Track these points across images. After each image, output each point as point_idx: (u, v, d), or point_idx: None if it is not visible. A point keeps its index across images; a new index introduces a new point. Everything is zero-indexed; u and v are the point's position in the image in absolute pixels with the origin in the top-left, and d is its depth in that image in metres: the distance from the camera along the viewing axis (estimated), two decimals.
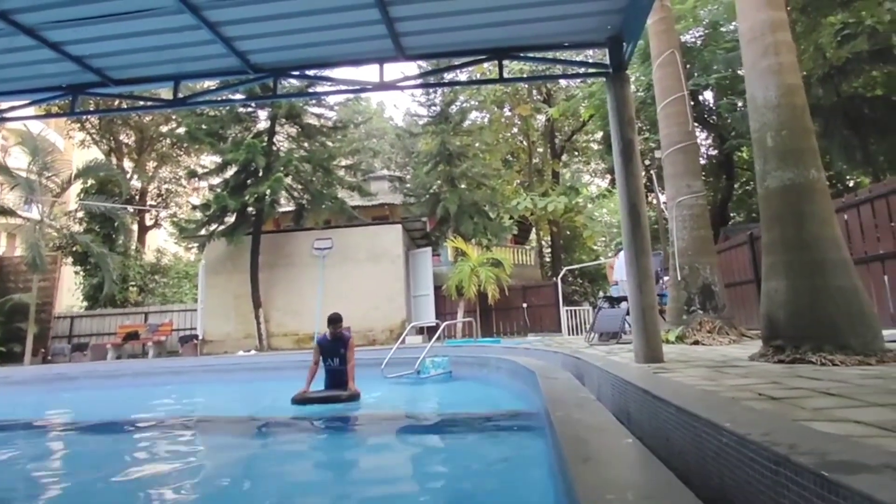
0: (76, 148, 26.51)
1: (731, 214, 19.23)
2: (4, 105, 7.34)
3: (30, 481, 3.48)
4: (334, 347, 6.08)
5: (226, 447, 4.64)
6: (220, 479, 3.43)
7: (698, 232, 7.11)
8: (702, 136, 17.98)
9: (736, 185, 18.46)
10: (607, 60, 5.23)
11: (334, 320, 6.18)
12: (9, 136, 18.13)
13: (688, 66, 13.71)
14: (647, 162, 17.30)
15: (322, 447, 4.40)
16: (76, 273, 21.49)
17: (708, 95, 16.87)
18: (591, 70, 6.45)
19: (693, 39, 15.59)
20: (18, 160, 18.55)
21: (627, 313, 7.32)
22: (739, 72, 13.51)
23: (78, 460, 4.31)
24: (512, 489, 2.85)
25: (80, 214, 21.12)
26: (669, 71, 7.65)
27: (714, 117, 16.97)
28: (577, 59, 12.26)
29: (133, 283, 22.33)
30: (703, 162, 16.93)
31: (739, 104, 14.18)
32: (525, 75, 16.64)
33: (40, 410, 7.62)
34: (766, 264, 4.26)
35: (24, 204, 18.67)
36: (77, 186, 20.79)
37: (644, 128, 15.96)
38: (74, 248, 19.99)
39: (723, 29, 14.45)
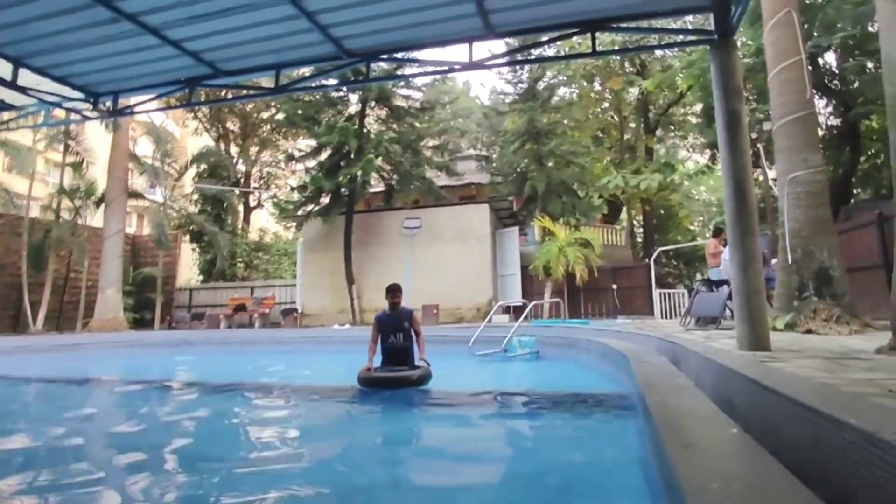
0: (190, 136, 29.07)
1: (855, 191, 17.21)
2: (133, 100, 8.21)
3: (159, 434, 3.95)
4: (396, 322, 5.43)
5: (323, 413, 4.99)
6: (316, 441, 3.70)
7: (815, 211, 6.47)
8: (820, 104, 16.16)
9: (861, 158, 16.45)
10: (710, 25, 4.85)
11: (392, 290, 5.48)
12: (136, 127, 20.24)
13: (805, 25, 12.30)
14: (753, 135, 15.84)
15: (409, 420, 4.58)
16: (192, 250, 23.75)
17: (830, 58, 15.08)
18: (692, 38, 6.03)
19: None
20: (144, 149, 20.68)
21: (729, 297, 6.90)
22: (871, 28, 11.94)
23: (201, 417, 4.82)
24: (600, 470, 2.82)
25: (195, 197, 23.23)
26: (784, 33, 6.94)
27: (836, 82, 15.17)
28: (675, 26, 11.47)
29: (240, 259, 24.27)
30: (820, 133, 15.25)
31: (870, 65, 12.56)
32: (618, 47, 15.78)
33: (170, 371, 8.58)
34: None
35: (149, 188, 20.84)
36: (192, 171, 22.85)
37: (750, 97, 14.62)
38: (191, 227, 22.08)
39: None
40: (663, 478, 1.77)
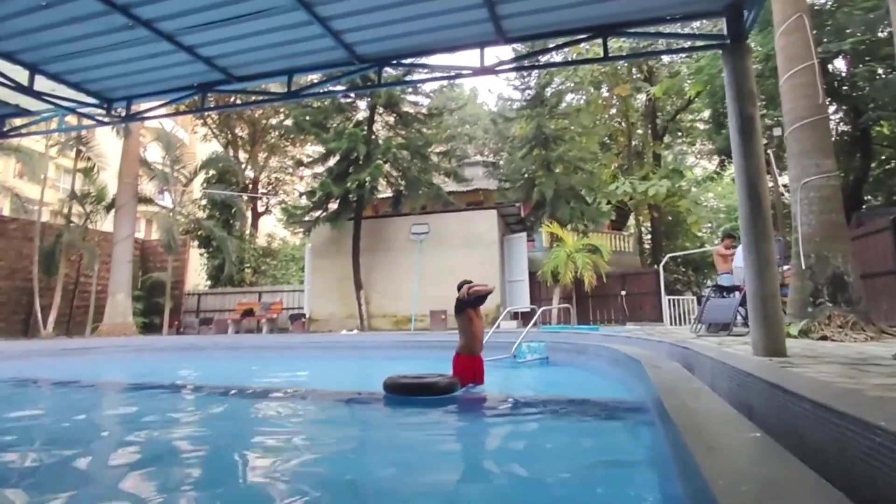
0: (199, 142, 29.30)
1: (867, 197, 17.06)
2: (144, 106, 8.31)
3: (169, 438, 3.95)
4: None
5: (331, 418, 4.97)
6: (324, 447, 3.69)
7: (828, 216, 6.41)
8: (831, 110, 16.05)
9: (873, 164, 16.32)
10: (722, 30, 4.85)
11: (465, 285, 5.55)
12: (146, 133, 20.43)
13: (815, 31, 12.23)
14: (763, 141, 15.78)
15: (418, 424, 4.56)
16: (201, 255, 23.87)
17: (839, 63, 15.00)
18: (705, 42, 6.03)
19: (822, 1, 13.94)
20: (154, 155, 20.86)
21: (741, 304, 6.85)
22: (881, 34, 11.88)
23: (210, 420, 4.83)
24: (615, 476, 2.79)
25: (204, 202, 23.38)
26: (796, 38, 6.92)
27: (846, 87, 15.08)
28: (685, 31, 11.56)
29: (248, 264, 24.36)
30: (832, 139, 15.15)
31: (880, 71, 12.49)
32: (626, 52, 15.77)
33: (180, 375, 8.61)
34: None
35: (159, 193, 21.01)
36: (201, 177, 23.02)
37: (759, 103, 14.55)
38: (200, 233, 22.21)
39: None
40: (687, 481, 1.75)
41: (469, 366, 5.25)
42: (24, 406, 5.75)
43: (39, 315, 16.12)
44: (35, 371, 8.87)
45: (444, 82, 21.91)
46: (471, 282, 5.54)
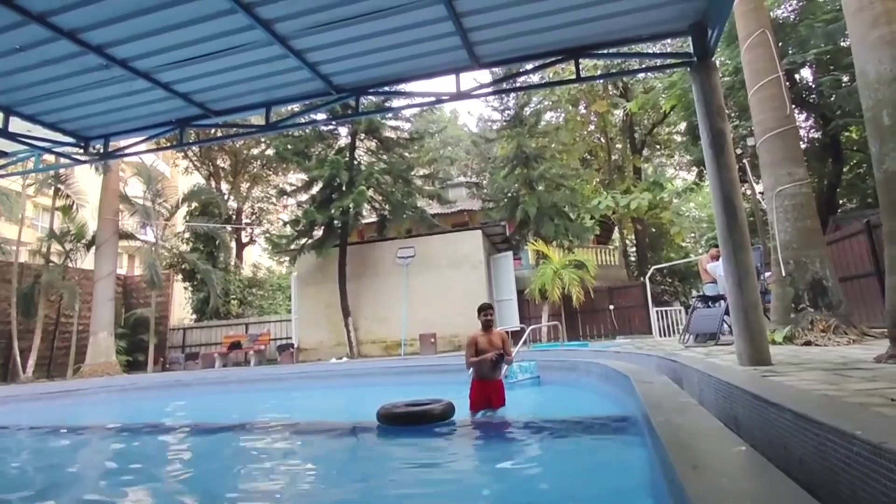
0: (180, 174, 29.15)
1: (841, 201, 17.46)
2: (123, 143, 8.27)
3: (158, 483, 3.85)
4: (492, 343, 5.27)
5: (325, 450, 4.89)
6: (318, 481, 3.62)
7: (804, 223, 6.55)
8: (801, 118, 16.53)
9: (845, 169, 16.75)
10: (690, 48, 5.00)
11: (484, 308, 5.34)
12: (126, 168, 20.32)
13: (780, 44, 12.67)
14: (738, 150, 16.12)
15: (413, 451, 4.50)
16: (185, 289, 23.54)
17: (806, 73, 15.50)
18: (672, 61, 6.20)
19: (785, 14, 14.44)
20: (135, 189, 20.70)
21: (726, 312, 6.92)
22: (843, 44, 12.31)
23: (198, 461, 4.72)
24: (609, 495, 2.78)
25: (187, 235, 23.17)
26: (760, 52, 7.16)
27: (814, 96, 15.55)
28: (655, 49, 11.90)
29: (234, 296, 24.06)
30: (803, 146, 15.55)
31: (845, 79, 12.90)
32: (601, 72, 16.13)
33: (167, 414, 8.42)
34: (889, 256, 3.86)
35: (141, 228, 20.79)
36: (183, 210, 22.83)
37: (732, 115, 14.94)
38: (183, 266, 21.94)
39: None
40: (674, 499, 1.74)
41: (482, 390, 5.20)
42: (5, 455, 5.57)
43: (18, 359, 15.69)
44: (14, 417, 8.61)
45: (425, 107, 22.16)
46: (491, 311, 5.39)
